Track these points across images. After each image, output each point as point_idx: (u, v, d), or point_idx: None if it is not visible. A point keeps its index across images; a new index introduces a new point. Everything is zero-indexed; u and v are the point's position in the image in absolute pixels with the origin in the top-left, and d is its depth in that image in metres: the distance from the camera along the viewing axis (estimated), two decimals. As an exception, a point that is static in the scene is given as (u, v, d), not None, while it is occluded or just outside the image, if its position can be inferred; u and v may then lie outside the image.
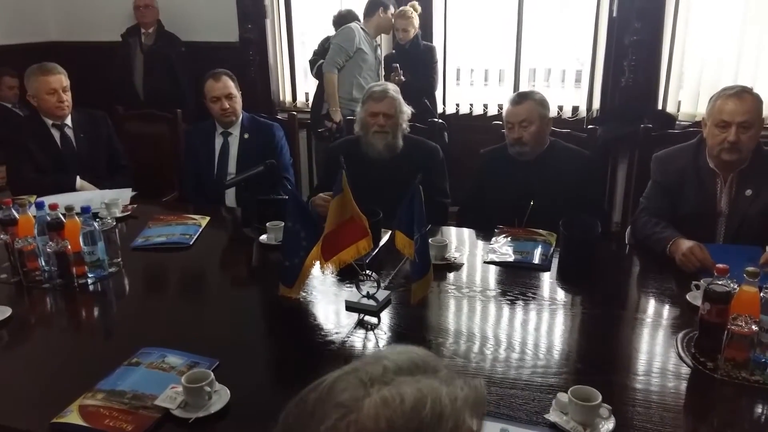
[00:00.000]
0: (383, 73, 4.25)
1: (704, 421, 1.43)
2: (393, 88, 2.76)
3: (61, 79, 2.99)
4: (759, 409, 1.42)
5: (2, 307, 1.83)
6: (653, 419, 1.34)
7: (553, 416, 1.32)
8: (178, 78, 4.56)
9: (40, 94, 2.97)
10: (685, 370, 1.54)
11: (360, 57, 4.06)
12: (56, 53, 4.55)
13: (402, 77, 4.06)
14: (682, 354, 1.59)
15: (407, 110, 2.75)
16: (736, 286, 1.54)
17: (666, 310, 1.88)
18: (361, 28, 4.09)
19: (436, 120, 3.50)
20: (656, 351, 1.64)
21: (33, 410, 1.40)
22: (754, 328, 1.46)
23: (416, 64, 4.21)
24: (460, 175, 3.08)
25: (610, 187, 4.15)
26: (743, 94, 2.11)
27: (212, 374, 1.40)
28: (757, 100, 2.12)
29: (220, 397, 1.39)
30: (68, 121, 3.08)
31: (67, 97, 3.02)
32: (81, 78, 3.41)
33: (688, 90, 4.03)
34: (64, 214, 2.04)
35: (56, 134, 3.06)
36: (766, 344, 1.48)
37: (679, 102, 4.05)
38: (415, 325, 1.80)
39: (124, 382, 1.45)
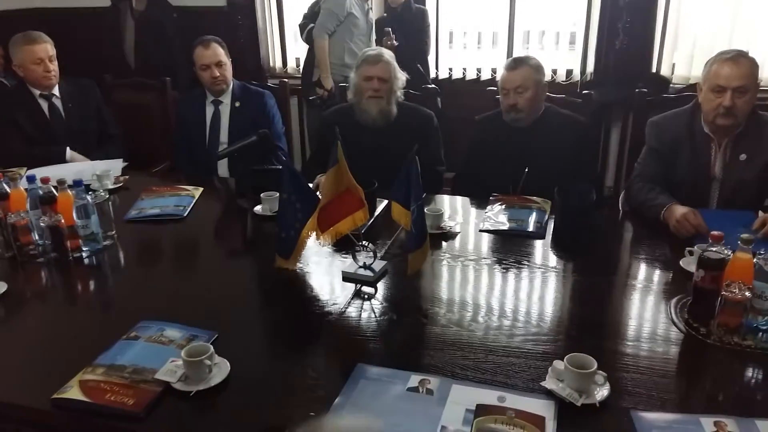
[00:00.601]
0: (375, 37, 4.19)
1: (697, 386, 1.45)
2: (388, 53, 2.72)
3: (47, 48, 2.94)
4: (750, 373, 1.45)
5: (-2, 282, 1.82)
6: (647, 384, 1.37)
7: (549, 383, 1.34)
8: (171, 45, 4.46)
9: (26, 64, 2.92)
10: (678, 336, 1.56)
11: (351, 22, 3.99)
12: (40, 20, 4.45)
13: (395, 41, 4.00)
14: (675, 319, 1.61)
15: (402, 76, 2.72)
16: (730, 253, 1.56)
17: (659, 276, 1.90)
18: None
19: (429, 86, 3.47)
20: (649, 317, 1.66)
21: (33, 386, 1.41)
22: (747, 294, 1.47)
23: (408, 28, 4.14)
24: (454, 141, 3.07)
25: (604, 151, 4.15)
26: (739, 59, 2.09)
27: (212, 347, 1.40)
28: (753, 65, 2.10)
29: (220, 369, 1.40)
30: (56, 90, 3.04)
31: (54, 66, 2.97)
32: (67, 46, 3.34)
33: (683, 52, 4.00)
34: (56, 188, 2.02)
35: (44, 105, 3.02)
36: (759, 310, 1.50)
37: (674, 64, 4.02)
38: (411, 294, 1.82)
39: (123, 357, 1.45)
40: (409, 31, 4.14)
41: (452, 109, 3.96)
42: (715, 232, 1.59)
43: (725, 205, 2.22)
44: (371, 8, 4.21)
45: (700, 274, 1.57)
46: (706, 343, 1.52)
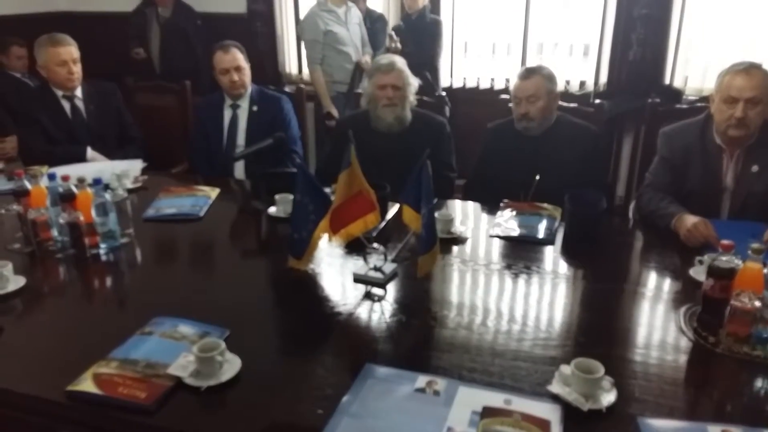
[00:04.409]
0: (366, 35, 4.20)
1: (704, 395, 1.45)
2: (401, 60, 2.75)
3: (71, 50, 3.00)
4: (759, 383, 1.44)
5: (16, 276, 1.86)
6: (654, 392, 1.37)
7: (555, 388, 1.35)
8: (196, 51, 4.52)
9: (50, 66, 2.98)
10: (687, 344, 1.56)
11: (331, 39, 4.01)
12: (65, 23, 4.53)
13: (398, 44, 4.03)
14: (684, 328, 1.62)
15: (414, 82, 2.75)
16: (740, 262, 1.56)
17: (669, 284, 1.90)
18: (321, 10, 4.02)
19: (438, 95, 3.50)
20: (658, 325, 1.66)
21: (48, 378, 1.43)
22: (757, 304, 1.47)
23: (421, 36, 4.18)
24: (466, 149, 3.09)
25: (615, 161, 4.15)
26: (752, 70, 2.10)
27: (223, 344, 1.43)
28: (766, 76, 2.10)
29: (231, 365, 1.42)
30: (78, 92, 3.09)
31: (78, 69, 3.03)
32: (90, 49, 3.40)
33: (696, 64, 4.00)
34: (76, 186, 2.06)
35: (66, 105, 3.07)
36: (768, 320, 1.50)
37: (687, 77, 4.02)
38: (421, 297, 1.83)
39: (137, 351, 1.48)
40: (421, 40, 4.17)
41: (465, 117, 3.99)
42: (725, 242, 1.59)
43: (736, 216, 2.22)
44: (354, 4, 4.17)
45: (710, 283, 1.57)
46: (714, 353, 1.52)
